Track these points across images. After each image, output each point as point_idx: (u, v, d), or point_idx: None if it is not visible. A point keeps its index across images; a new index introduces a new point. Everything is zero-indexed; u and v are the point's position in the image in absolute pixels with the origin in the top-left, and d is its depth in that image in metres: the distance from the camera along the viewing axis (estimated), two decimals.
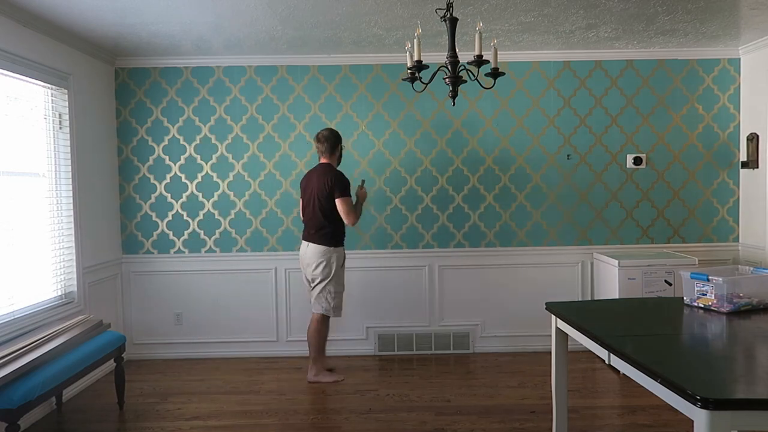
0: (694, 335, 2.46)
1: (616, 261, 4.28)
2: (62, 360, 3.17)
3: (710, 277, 2.62)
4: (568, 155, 4.35)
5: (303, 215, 4.15)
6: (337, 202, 3.95)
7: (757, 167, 4.52)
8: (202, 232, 4.77)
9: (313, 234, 4.02)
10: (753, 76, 4.57)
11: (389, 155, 4.74)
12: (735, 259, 4.75)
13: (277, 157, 4.74)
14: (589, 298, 4.75)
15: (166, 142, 4.73)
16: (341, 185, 3.96)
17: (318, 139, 4.09)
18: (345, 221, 4.01)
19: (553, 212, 4.77)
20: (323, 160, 4.10)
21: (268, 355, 4.78)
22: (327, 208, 3.96)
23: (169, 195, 4.76)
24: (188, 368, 4.54)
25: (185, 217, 4.77)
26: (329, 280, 4.00)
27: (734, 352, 2.20)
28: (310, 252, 4.02)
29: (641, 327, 2.53)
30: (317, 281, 4.02)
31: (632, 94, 4.73)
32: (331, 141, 4.06)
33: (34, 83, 3.72)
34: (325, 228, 3.99)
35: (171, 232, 4.77)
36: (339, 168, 4.13)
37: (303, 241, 4.13)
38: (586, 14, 3.72)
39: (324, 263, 3.98)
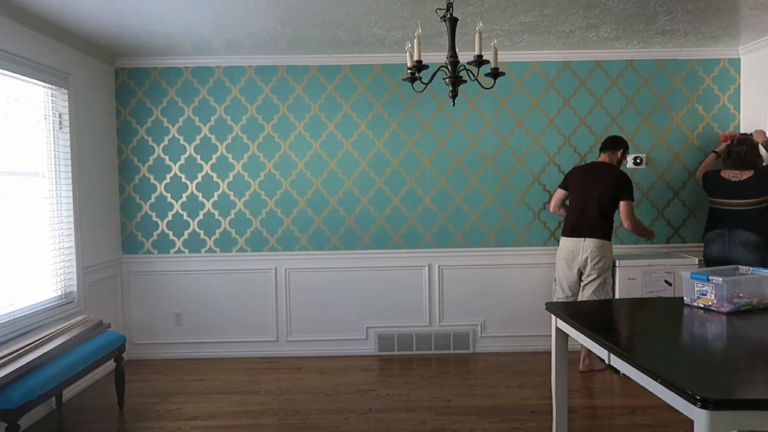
0: (694, 335, 2.45)
1: (617, 261, 4.27)
2: (62, 360, 3.17)
3: (710, 277, 2.62)
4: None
5: (578, 210, 4.19)
6: (622, 204, 4.11)
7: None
8: (202, 232, 4.77)
9: (590, 229, 4.12)
10: (753, 76, 4.57)
11: (389, 155, 4.74)
12: None
13: (277, 157, 4.74)
14: None
15: (166, 142, 4.73)
16: (630, 189, 4.14)
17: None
18: (624, 223, 4.13)
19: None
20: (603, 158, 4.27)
21: (268, 355, 4.78)
22: (610, 208, 4.13)
23: (169, 195, 4.76)
24: (188, 368, 4.54)
25: (185, 217, 4.77)
26: (608, 273, 4.15)
27: (734, 352, 2.20)
28: (591, 246, 4.09)
29: (641, 327, 2.53)
30: (595, 275, 4.11)
31: (632, 94, 4.73)
32: (612, 140, 4.27)
33: (34, 83, 3.72)
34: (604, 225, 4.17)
35: (171, 232, 4.77)
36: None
37: (571, 238, 4.18)
38: (586, 14, 3.72)
39: (606, 257, 4.10)
